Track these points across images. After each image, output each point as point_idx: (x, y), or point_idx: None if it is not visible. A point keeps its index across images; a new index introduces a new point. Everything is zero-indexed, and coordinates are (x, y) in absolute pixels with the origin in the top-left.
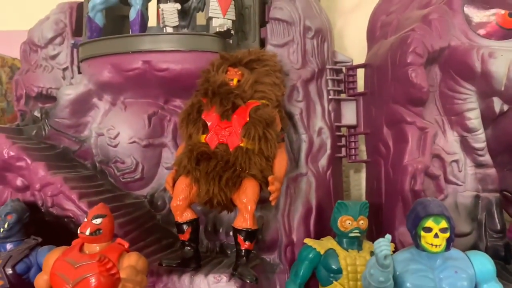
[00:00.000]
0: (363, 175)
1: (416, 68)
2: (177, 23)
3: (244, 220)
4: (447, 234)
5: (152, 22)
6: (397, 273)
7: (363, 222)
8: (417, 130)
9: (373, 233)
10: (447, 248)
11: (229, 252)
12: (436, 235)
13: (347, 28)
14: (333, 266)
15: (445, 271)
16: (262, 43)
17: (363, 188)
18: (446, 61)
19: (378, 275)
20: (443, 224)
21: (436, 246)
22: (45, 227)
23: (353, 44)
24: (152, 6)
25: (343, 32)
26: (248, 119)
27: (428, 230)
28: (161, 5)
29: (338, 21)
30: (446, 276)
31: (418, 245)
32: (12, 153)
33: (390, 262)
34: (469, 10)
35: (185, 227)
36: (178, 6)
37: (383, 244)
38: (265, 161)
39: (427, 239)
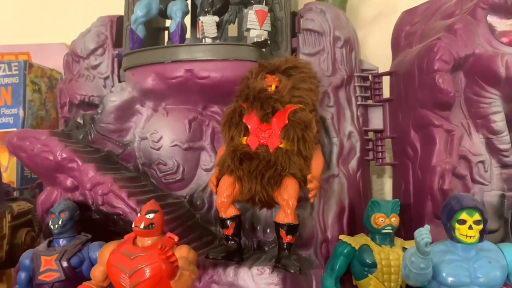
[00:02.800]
0: (385, 180)
1: (443, 74)
2: (215, 34)
3: (286, 215)
4: (481, 226)
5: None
6: (433, 263)
7: (395, 219)
8: (444, 133)
9: (402, 232)
10: (480, 239)
11: (266, 249)
12: (470, 227)
13: (368, 38)
14: (368, 261)
15: (479, 261)
16: (293, 52)
17: (385, 193)
18: (471, 67)
19: (419, 262)
20: (477, 216)
21: (470, 237)
22: (90, 226)
23: (374, 54)
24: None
25: (365, 42)
26: (287, 121)
27: (463, 222)
28: (201, 18)
29: (360, 32)
30: (480, 266)
31: (452, 237)
32: (64, 155)
33: (430, 250)
34: (492, 20)
35: (229, 222)
36: (216, 18)
37: (424, 233)
38: (303, 161)
39: (461, 230)
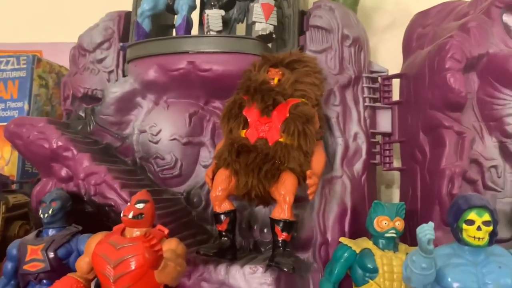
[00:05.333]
0: (394, 190)
1: (454, 73)
2: (221, 28)
3: (282, 211)
4: (490, 228)
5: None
6: (438, 267)
7: (399, 223)
8: (454, 135)
9: (407, 239)
10: (490, 242)
11: (262, 249)
12: (479, 228)
13: (380, 46)
14: (369, 265)
15: (488, 266)
16: (300, 50)
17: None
18: (484, 68)
19: (420, 262)
20: (486, 217)
21: (479, 239)
22: (83, 220)
23: (386, 61)
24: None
25: (377, 50)
26: (288, 115)
27: (471, 222)
28: (207, 11)
29: (372, 39)
30: (489, 271)
31: (459, 240)
32: (60, 143)
33: (433, 248)
34: (508, 19)
35: (223, 217)
36: (222, 12)
37: (427, 229)
38: (303, 156)
39: (469, 232)
